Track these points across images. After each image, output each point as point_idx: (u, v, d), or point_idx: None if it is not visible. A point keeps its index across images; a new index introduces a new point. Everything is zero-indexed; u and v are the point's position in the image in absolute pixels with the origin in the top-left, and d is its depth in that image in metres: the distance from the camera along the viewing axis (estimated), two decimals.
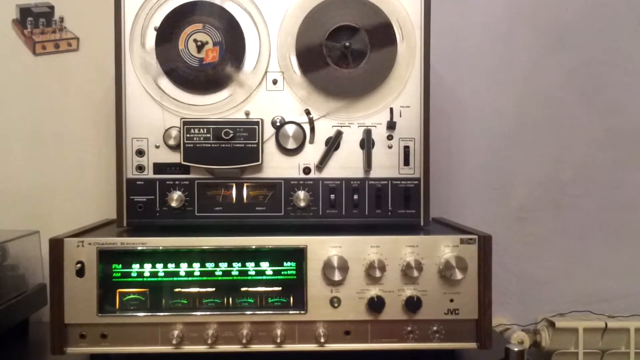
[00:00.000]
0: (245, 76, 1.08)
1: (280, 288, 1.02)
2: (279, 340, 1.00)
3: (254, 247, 1.02)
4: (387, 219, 1.11)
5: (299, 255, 1.02)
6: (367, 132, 1.09)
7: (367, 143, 1.09)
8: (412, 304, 1.01)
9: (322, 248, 1.02)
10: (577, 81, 1.54)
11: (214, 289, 1.02)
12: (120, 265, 1.01)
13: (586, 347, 1.46)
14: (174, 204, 1.08)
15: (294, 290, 1.02)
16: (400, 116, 1.10)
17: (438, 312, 1.02)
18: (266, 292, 1.02)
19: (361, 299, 1.02)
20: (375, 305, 1.01)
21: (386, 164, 1.11)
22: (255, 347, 1.02)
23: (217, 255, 1.02)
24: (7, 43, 1.44)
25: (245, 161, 1.07)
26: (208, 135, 1.06)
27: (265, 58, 1.09)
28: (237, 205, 1.10)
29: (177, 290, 1.02)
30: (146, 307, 1.01)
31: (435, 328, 1.03)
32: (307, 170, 1.10)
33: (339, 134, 1.10)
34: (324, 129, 1.10)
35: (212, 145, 1.06)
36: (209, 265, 1.02)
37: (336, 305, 1.02)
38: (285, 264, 1.02)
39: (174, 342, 1.00)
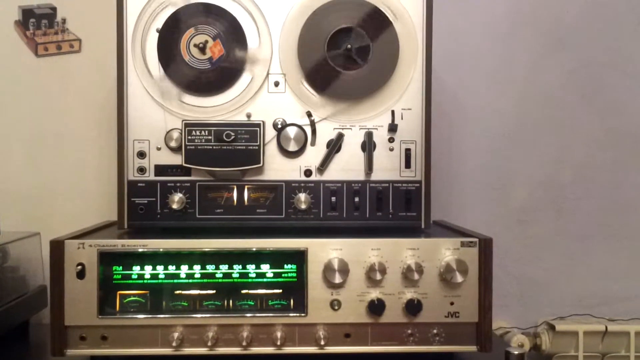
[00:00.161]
0: (254, 51, 1.07)
1: (280, 290, 1.02)
2: (279, 343, 1.00)
3: (254, 249, 1.02)
4: (388, 221, 1.11)
5: (299, 257, 1.02)
6: (369, 135, 1.10)
7: (368, 145, 1.09)
8: (413, 307, 1.01)
9: (322, 250, 1.02)
10: (577, 82, 1.54)
11: (214, 291, 1.02)
12: (121, 267, 1.01)
13: (586, 351, 1.46)
14: (175, 206, 1.08)
15: (294, 293, 1.02)
16: (402, 119, 1.11)
17: (438, 315, 1.02)
18: (266, 294, 1.02)
19: (361, 301, 1.02)
20: (376, 308, 1.01)
21: (387, 167, 1.11)
22: (256, 350, 1.01)
23: (218, 257, 1.02)
24: (9, 44, 1.44)
25: (247, 163, 1.07)
26: (209, 137, 1.06)
27: (267, 60, 1.09)
28: (238, 207, 1.10)
29: (177, 292, 1.02)
30: (146, 309, 1.01)
31: (435, 331, 1.03)
32: (308, 173, 1.10)
33: (340, 137, 1.10)
34: (326, 132, 1.10)
35: (214, 147, 1.06)
36: (210, 268, 1.02)
37: (336, 307, 1.02)
38: (285, 266, 1.02)
39: (174, 344, 1.00)
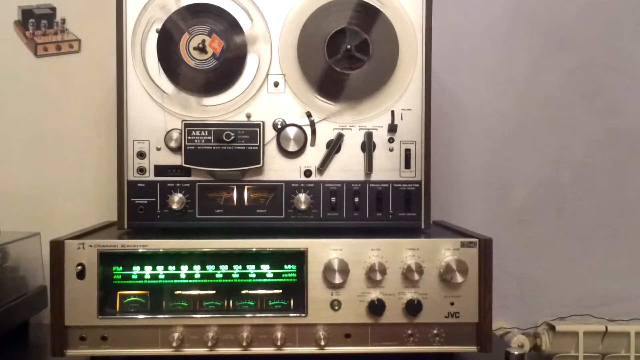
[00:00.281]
0: (250, 31, 1.07)
1: (280, 291, 1.02)
2: (279, 343, 1.00)
3: (254, 249, 1.02)
4: (388, 222, 1.11)
5: (299, 258, 1.02)
6: (369, 135, 1.10)
7: (368, 146, 1.09)
8: (413, 307, 1.01)
9: (322, 251, 1.02)
10: (577, 82, 1.54)
11: (214, 292, 1.02)
12: (121, 268, 1.01)
13: (586, 351, 1.46)
14: (174, 207, 1.08)
15: (294, 293, 1.02)
16: (402, 119, 1.11)
17: (438, 316, 1.02)
18: (266, 294, 1.02)
19: (362, 302, 1.02)
20: (376, 308, 1.01)
21: (387, 167, 1.11)
22: (256, 350, 1.01)
23: (218, 257, 1.02)
24: (8, 45, 1.44)
25: (246, 164, 1.07)
26: (209, 137, 1.06)
27: (267, 60, 1.09)
28: (238, 207, 1.10)
29: (177, 292, 1.02)
30: (146, 310, 1.01)
31: (435, 331, 1.03)
32: (308, 173, 1.10)
33: (340, 137, 1.10)
34: (325, 132, 1.10)
35: (213, 147, 1.06)
36: (210, 268, 1.02)
37: (336, 308, 1.02)
38: (285, 266, 1.02)
39: (174, 344, 1.00)
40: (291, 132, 1.09)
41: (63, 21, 1.45)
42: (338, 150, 1.10)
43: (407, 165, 1.11)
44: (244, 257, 1.02)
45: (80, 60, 1.45)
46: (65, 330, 1.00)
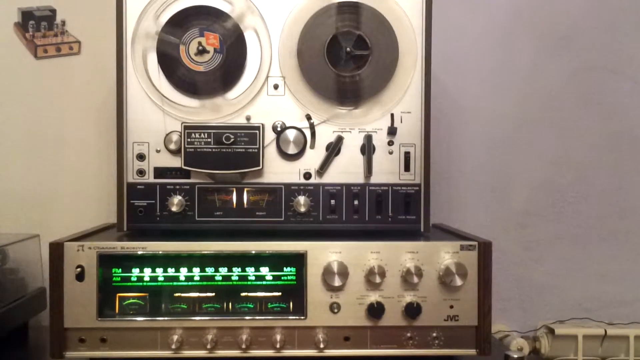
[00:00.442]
0: (232, 9, 1.08)
1: (280, 293, 1.02)
2: (278, 346, 1.00)
3: (254, 252, 1.02)
4: (387, 224, 1.11)
5: (299, 260, 1.02)
6: (368, 138, 1.10)
7: (367, 149, 1.09)
8: (412, 310, 1.01)
9: (322, 253, 1.02)
10: (577, 84, 1.54)
11: (213, 294, 1.02)
12: (120, 270, 1.01)
13: (585, 354, 1.46)
14: (174, 209, 1.08)
15: (293, 296, 1.02)
16: (401, 122, 1.11)
17: (438, 319, 1.02)
18: (266, 297, 1.02)
19: (361, 304, 1.02)
20: (375, 311, 1.01)
21: (387, 170, 1.11)
22: (255, 353, 1.01)
23: (217, 260, 1.02)
24: (8, 46, 1.44)
25: (246, 166, 1.07)
26: (209, 139, 1.06)
27: (267, 63, 1.09)
28: (237, 210, 1.10)
29: (176, 295, 1.02)
30: (146, 312, 1.01)
31: (434, 334, 1.03)
32: (307, 176, 1.10)
33: (339, 140, 1.10)
34: (325, 134, 1.10)
35: (213, 150, 1.07)
36: (209, 270, 1.02)
37: (336, 310, 1.02)
38: (285, 269, 1.02)
39: (174, 346, 0.99)
40: (291, 134, 1.09)
41: (63, 23, 1.45)
42: (338, 153, 1.10)
43: (407, 168, 1.11)
44: (244, 259, 1.02)
45: (80, 62, 1.45)
46: (64, 332, 1.00)
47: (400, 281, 1.02)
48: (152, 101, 1.09)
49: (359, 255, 1.02)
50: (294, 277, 1.02)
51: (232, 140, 1.06)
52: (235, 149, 1.07)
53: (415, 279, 1.01)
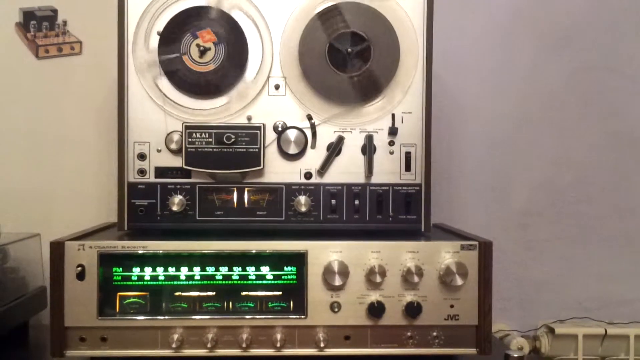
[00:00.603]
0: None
1: (280, 292, 1.02)
2: (278, 345, 1.01)
3: (254, 251, 1.02)
4: (388, 224, 1.11)
5: (299, 260, 1.02)
6: (369, 138, 1.10)
7: (368, 149, 1.09)
8: (412, 310, 1.01)
9: (322, 253, 1.02)
10: (577, 84, 1.54)
11: (214, 293, 1.02)
12: (121, 269, 1.01)
13: (585, 354, 1.46)
14: (175, 208, 1.08)
15: (294, 295, 1.02)
16: (402, 122, 1.11)
17: (438, 318, 1.02)
18: (266, 296, 1.02)
19: (361, 304, 1.02)
20: (376, 310, 1.01)
21: (387, 170, 1.11)
22: (255, 352, 1.02)
23: (218, 259, 1.02)
24: (10, 46, 1.44)
25: (247, 166, 1.08)
26: (210, 139, 1.07)
27: (268, 63, 1.09)
28: (238, 209, 1.10)
29: (177, 294, 1.02)
30: (146, 311, 1.01)
31: (435, 333, 1.03)
32: (308, 175, 1.10)
33: (340, 140, 1.10)
34: (326, 135, 1.10)
35: (214, 149, 1.07)
36: (210, 270, 1.02)
37: (336, 310, 1.02)
38: (285, 268, 1.02)
39: (174, 345, 1.00)
40: (292, 134, 1.09)
41: (64, 23, 1.45)
42: (338, 153, 1.10)
43: (408, 168, 1.11)
44: (244, 258, 1.02)
45: (81, 62, 1.46)
46: (65, 331, 1.00)
47: (400, 281, 1.02)
48: (153, 101, 1.09)
49: (360, 254, 1.02)
50: (294, 277, 1.02)
51: (233, 140, 1.06)
52: (236, 149, 1.07)
53: (416, 279, 1.01)
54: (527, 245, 1.55)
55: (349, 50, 1.07)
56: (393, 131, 1.10)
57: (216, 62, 1.08)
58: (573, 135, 1.54)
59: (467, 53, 1.52)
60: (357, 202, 1.10)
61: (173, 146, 1.08)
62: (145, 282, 1.02)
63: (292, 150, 1.09)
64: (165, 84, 1.08)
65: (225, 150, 1.07)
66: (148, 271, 1.01)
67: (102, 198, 1.44)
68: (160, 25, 1.08)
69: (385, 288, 1.02)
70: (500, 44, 1.53)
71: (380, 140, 1.11)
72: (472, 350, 1.03)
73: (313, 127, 1.10)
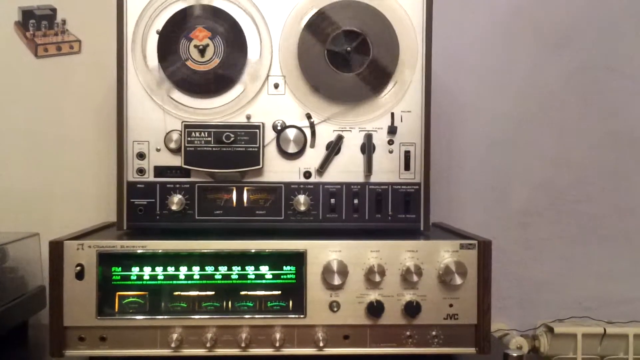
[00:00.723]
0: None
1: (279, 292, 1.02)
2: (277, 344, 1.00)
3: (253, 251, 1.02)
4: (387, 223, 1.11)
5: (298, 259, 1.02)
6: (368, 137, 1.10)
7: (367, 148, 1.09)
8: (412, 309, 1.01)
9: (321, 252, 1.02)
10: (576, 83, 1.54)
11: (213, 293, 1.02)
12: (120, 268, 1.01)
13: (585, 353, 1.46)
14: (174, 207, 1.08)
15: (293, 294, 1.02)
16: (402, 121, 1.11)
17: (437, 317, 1.02)
18: (265, 296, 1.02)
19: (360, 303, 1.02)
20: (375, 309, 1.01)
21: (387, 169, 1.11)
22: (254, 351, 1.01)
23: (217, 258, 1.02)
24: (9, 45, 1.44)
25: (246, 165, 1.07)
26: (209, 138, 1.06)
27: (267, 62, 1.09)
28: (237, 209, 1.10)
29: (176, 293, 1.02)
30: (145, 310, 1.01)
31: (434, 333, 1.03)
32: (307, 175, 1.10)
33: (339, 139, 1.10)
34: (325, 134, 1.10)
35: (213, 148, 1.07)
36: (209, 269, 1.02)
37: (335, 309, 1.02)
38: (284, 268, 1.02)
39: (173, 345, 0.99)
40: (291, 133, 1.09)
41: (63, 22, 1.45)
42: (338, 152, 1.10)
43: (407, 167, 1.11)
44: (243, 258, 1.02)
45: (80, 61, 1.45)
46: (64, 331, 1.00)
47: (399, 280, 1.02)
48: (153, 100, 1.09)
49: (359, 254, 1.02)
50: (293, 276, 1.02)
51: (232, 139, 1.06)
52: (236, 148, 1.07)
53: (415, 278, 1.01)
54: (527, 245, 1.55)
55: (348, 49, 1.07)
56: (392, 130, 1.10)
57: (219, 55, 1.07)
58: (573, 135, 1.54)
59: (467, 52, 1.52)
60: (356, 201, 1.10)
61: (172, 145, 1.08)
62: (144, 282, 1.01)
63: (292, 149, 1.09)
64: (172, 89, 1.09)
65: (224, 149, 1.07)
66: (147, 271, 1.01)
67: (101, 197, 1.44)
68: (159, 24, 1.08)
69: (384, 287, 1.02)
70: (500, 43, 1.53)
71: (380, 139, 1.11)
72: (471, 350, 1.03)
73: (312, 126, 1.10)
